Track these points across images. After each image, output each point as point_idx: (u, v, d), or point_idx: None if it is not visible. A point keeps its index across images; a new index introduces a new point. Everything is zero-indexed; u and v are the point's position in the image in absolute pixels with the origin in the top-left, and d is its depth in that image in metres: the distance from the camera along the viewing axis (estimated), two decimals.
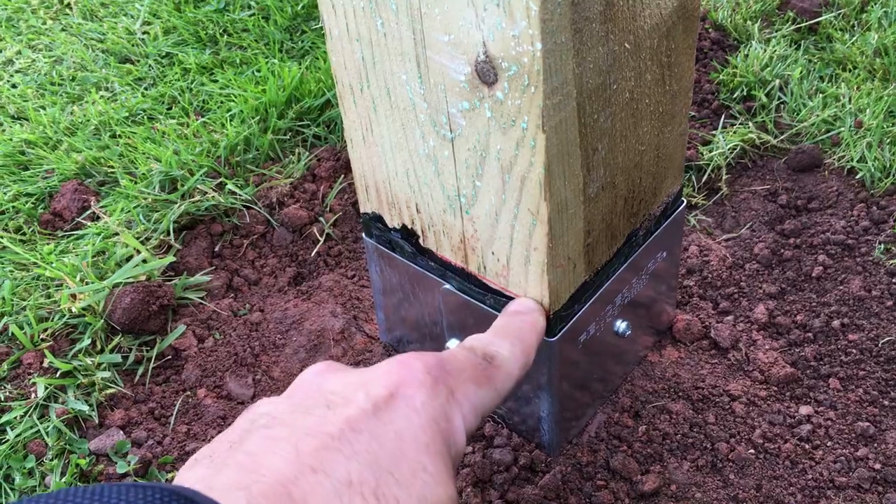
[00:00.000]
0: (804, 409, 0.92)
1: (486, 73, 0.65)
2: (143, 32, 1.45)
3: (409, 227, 0.85)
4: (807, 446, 0.88)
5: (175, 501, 0.39)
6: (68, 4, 1.54)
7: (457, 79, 0.67)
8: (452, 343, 0.89)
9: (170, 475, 0.85)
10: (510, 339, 0.65)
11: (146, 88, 1.33)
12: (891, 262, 1.05)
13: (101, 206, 1.10)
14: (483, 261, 0.79)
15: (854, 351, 0.97)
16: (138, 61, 1.40)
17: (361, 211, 0.90)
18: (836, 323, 0.99)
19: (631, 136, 0.77)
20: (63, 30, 1.48)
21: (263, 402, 0.53)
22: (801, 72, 1.29)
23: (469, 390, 0.57)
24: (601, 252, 0.81)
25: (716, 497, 0.85)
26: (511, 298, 0.79)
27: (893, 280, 1.03)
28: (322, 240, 1.11)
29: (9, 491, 0.83)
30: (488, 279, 0.80)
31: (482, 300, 0.82)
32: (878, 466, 0.85)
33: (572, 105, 0.66)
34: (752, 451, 0.88)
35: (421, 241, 0.85)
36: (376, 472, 0.47)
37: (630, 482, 0.87)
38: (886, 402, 0.91)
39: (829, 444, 0.88)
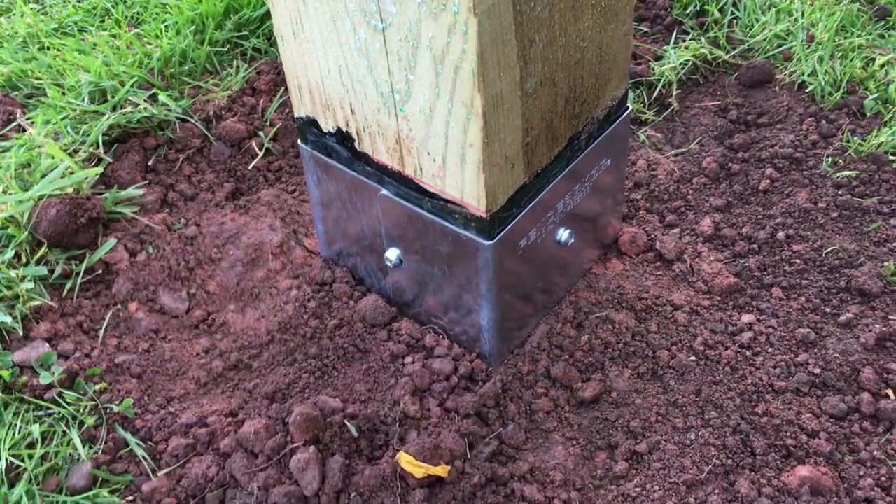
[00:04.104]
0: (746, 318, 0.91)
1: None
2: None
3: (345, 129, 0.82)
4: (747, 353, 0.88)
5: None
6: None
7: None
8: (391, 253, 0.87)
9: (97, 387, 0.82)
10: None
11: (78, 0, 1.27)
12: (838, 174, 1.04)
13: (28, 119, 1.05)
14: (419, 162, 0.77)
15: (798, 261, 0.96)
16: None
17: (296, 115, 0.87)
18: (781, 234, 0.99)
19: (571, 30, 0.74)
20: None
21: None
22: None
23: None
24: (541, 154, 0.79)
25: (655, 402, 0.84)
26: (449, 202, 0.76)
27: (840, 192, 1.02)
28: (261, 154, 1.07)
29: None
30: (425, 182, 0.78)
31: (420, 205, 0.80)
32: (817, 371, 0.85)
33: None
34: (692, 358, 0.88)
35: (357, 144, 0.82)
36: None
37: (570, 390, 0.86)
38: (828, 310, 0.91)
39: (769, 350, 0.88)
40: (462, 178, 0.74)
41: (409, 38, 0.67)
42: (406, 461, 0.75)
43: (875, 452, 0.79)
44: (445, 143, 0.72)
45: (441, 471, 0.76)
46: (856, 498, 0.76)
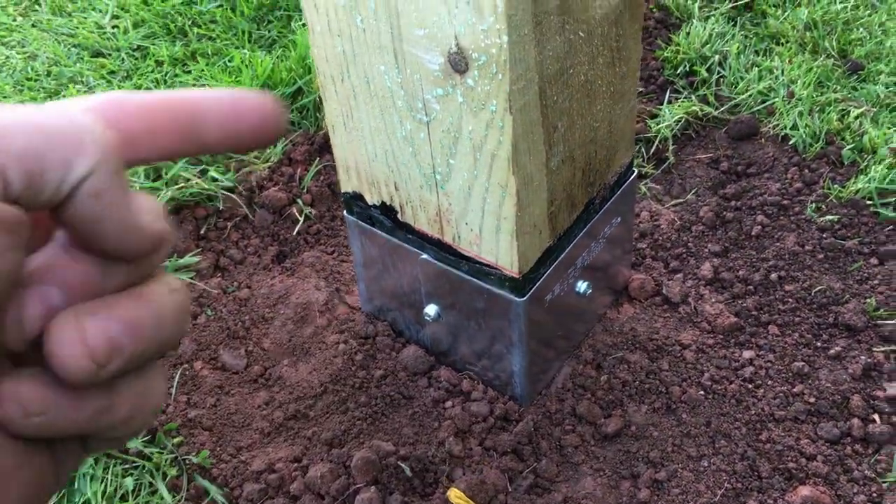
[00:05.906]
0: (747, 354, 1.02)
1: (458, 63, 0.73)
2: (113, 26, 1.49)
3: (388, 203, 0.93)
4: (750, 386, 0.99)
5: None
6: (37, 0, 1.58)
7: (431, 68, 0.75)
8: (430, 309, 0.98)
9: (175, 440, 0.92)
10: None
11: (121, 81, 1.38)
12: (821, 219, 1.16)
13: None
14: (457, 231, 0.88)
15: (790, 300, 1.07)
16: (110, 55, 1.44)
17: (342, 191, 0.98)
18: (773, 276, 1.10)
19: (587, 114, 0.85)
20: (34, 26, 1.51)
21: None
22: (738, 47, 1.39)
23: None
24: (563, 219, 0.90)
25: (671, 434, 0.95)
26: (484, 265, 0.87)
27: (824, 235, 1.14)
28: (301, 219, 1.18)
29: None
30: (462, 248, 0.89)
31: (457, 267, 0.91)
32: (812, 400, 0.96)
33: (535, 89, 0.75)
34: (701, 392, 0.98)
35: (399, 216, 0.93)
36: None
37: (594, 426, 0.97)
38: (819, 344, 1.02)
39: (769, 383, 0.99)
40: (497, 245, 0.85)
41: (450, 130, 0.79)
42: (456, 497, 0.86)
43: (866, 472, 0.90)
44: (482, 216, 0.84)
45: None
46: None
